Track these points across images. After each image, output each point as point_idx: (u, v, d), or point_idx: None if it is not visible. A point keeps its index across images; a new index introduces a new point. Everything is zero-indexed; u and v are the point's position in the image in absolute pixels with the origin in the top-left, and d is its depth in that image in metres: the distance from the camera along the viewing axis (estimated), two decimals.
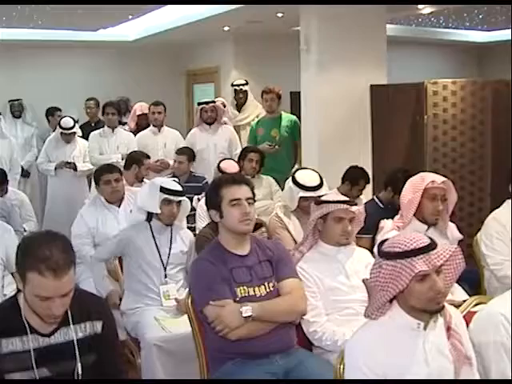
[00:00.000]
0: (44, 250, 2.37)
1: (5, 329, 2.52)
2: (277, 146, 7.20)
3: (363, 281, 2.68)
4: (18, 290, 2.58)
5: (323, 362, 3.33)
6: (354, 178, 5.75)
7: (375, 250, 3.85)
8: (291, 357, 3.27)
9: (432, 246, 2.41)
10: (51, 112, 9.08)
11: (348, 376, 2.53)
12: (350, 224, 3.68)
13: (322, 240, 3.74)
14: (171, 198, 4.42)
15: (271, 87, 7.45)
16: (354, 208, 3.73)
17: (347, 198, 3.79)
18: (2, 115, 7.82)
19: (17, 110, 9.27)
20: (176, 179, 4.86)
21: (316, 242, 3.75)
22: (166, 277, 4.44)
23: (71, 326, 2.59)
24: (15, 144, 7.90)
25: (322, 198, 3.81)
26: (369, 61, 7.09)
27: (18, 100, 9.30)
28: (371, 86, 7.13)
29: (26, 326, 2.54)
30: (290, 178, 4.82)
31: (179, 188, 4.50)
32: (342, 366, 2.69)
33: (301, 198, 4.66)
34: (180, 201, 4.49)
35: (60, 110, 9.09)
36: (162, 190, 4.40)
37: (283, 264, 3.41)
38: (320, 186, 4.70)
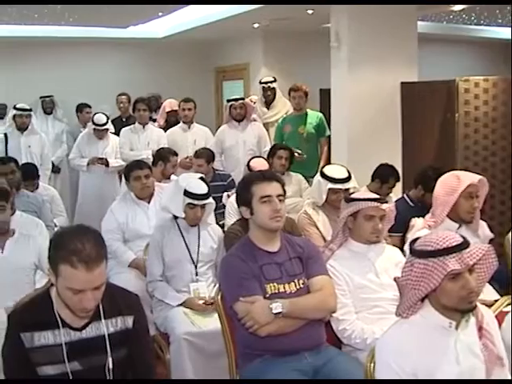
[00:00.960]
0: (76, 243, 2.39)
1: (37, 322, 2.54)
2: (304, 156, 7.16)
3: (395, 279, 2.66)
4: (51, 284, 2.60)
5: (353, 360, 3.31)
6: (384, 175, 5.71)
7: (405, 248, 3.88)
8: (320, 354, 3.26)
9: (465, 244, 2.39)
10: (81, 108, 9.15)
11: (378, 375, 2.52)
12: (380, 222, 3.66)
13: (352, 238, 3.72)
14: (195, 202, 4.43)
15: (299, 85, 7.44)
16: (384, 206, 3.71)
17: (377, 196, 3.78)
18: (33, 111, 7.86)
19: (48, 106, 9.35)
20: (203, 175, 4.83)
21: (346, 240, 3.74)
22: (196, 274, 4.47)
23: (103, 320, 2.61)
24: (46, 140, 7.95)
25: (353, 196, 3.81)
26: (399, 58, 7.05)
27: (49, 96, 9.38)
28: (402, 83, 7.09)
29: (58, 319, 2.56)
30: (319, 173, 4.87)
31: (204, 191, 4.48)
32: (372, 365, 2.68)
33: (329, 190, 4.71)
34: (204, 204, 4.51)
35: (89, 106, 9.14)
36: (186, 193, 4.42)
37: (313, 261, 3.40)
38: (348, 178, 4.73)
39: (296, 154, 6.74)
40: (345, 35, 6.89)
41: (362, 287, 3.55)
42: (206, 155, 6.56)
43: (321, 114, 7.60)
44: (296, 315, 3.20)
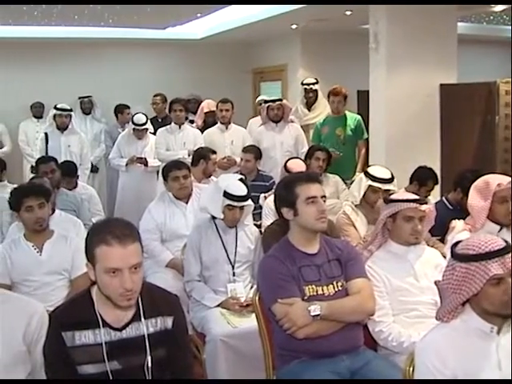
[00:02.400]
0: (108, 226, 2.50)
1: (78, 321, 2.57)
2: (340, 153, 7.14)
3: (435, 283, 2.64)
4: (92, 284, 2.62)
5: (390, 364, 3.28)
6: (422, 178, 5.67)
7: (444, 250, 3.84)
8: (358, 357, 3.24)
9: (507, 248, 2.35)
10: (120, 109, 9.21)
11: (418, 378, 2.50)
12: (419, 223, 3.62)
13: (391, 239, 3.69)
14: (234, 203, 4.44)
15: (338, 89, 7.40)
16: (424, 207, 3.68)
17: (417, 197, 3.74)
18: (73, 111, 7.96)
19: (87, 106, 9.49)
20: (243, 177, 4.84)
21: (385, 241, 3.71)
22: (234, 275, 4.48)
23: (143, 320, 2.62)
24: (86, 139, 8.05)
25: (392, 197, 3.78)
26: (439, 59, 7.00)
27: (87, 97, 9.51)
28: (441, 85, 7.03)
29: (99, 319, 2.58)
30: (362, 172, 4.93)
31: (243, 192, 4.48)
32: (411, 368, 2.66)
33: (369, 188, 4.76)
34: (243, 205, 4.51)
35: (129, 107, 9.20)
36: (226, 195, 4.43)
37: (352, 263, 3.38)
38: (389, 180, 4.77)
39: (332, 154, 6.74)
40: (383, 36, 6.85)
41: (401, 290, 3.52)
42: (254, 151, 6.63)
43: (359, 117, 7.56)
44: (334, 318, 3.19)
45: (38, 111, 9.54)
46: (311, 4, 7.10)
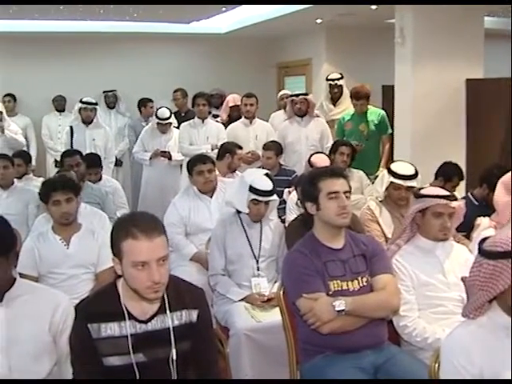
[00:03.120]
0: (134, 219, 2.52)
1: (104, 313, 2.59)
2: (363, 145, 7.13)
3: (462, 279, 2.62)
4: (118, 276, 2.64)
5: (414, 359, 3.27)
6: (447, 174, 5.64)
7: (470, 247, 3.81)
8: (382, 353, 3.23)
9: None
10: (144, 103, 9.25)
11: (443, 375, 2.48)
12: (449, 220, 3.60)
13: (420, 234, 3.67)
14: (260, 198, 4.45)
15: (360, 92, 7.35)
16: (454, 203, 3.64)
17: (448, 193, 3.69)
18: (98, 105, 8.00)
19: (111, 100, 9.54)
20: (269, 172, 4.84)
21: (414, 236, 3.69)
22: (258, 269, 4.49)
23: (168, 313, 2.64)
24: (110, 133, 8.09)
25: (422, 192, 3.74)
26: (465, 54, 6.96)
27: (112, 91, 9.57)
28: (467, 80, 6.98)
29: (125, 311, 2.60)
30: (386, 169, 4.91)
31: (269, 187, 4.49)
32: (436, 365, 2.65)
33: (391, 183, 4.73)
34: (268, 200, 4.51)
35: (152, 101, 9.24)
36: (251, 189, 4.43)
37: (377, 259, 3.37)
38: (411, 176, 4.72)
39: (355, 147, 6.73)
40: (409, 31, 6.82)
41: (428, 285, 3.51)
42: (275, 148, 6.62)
43: (383, 112, 7.53)
44: (358, 313, 3.18)
45: (59, 104, 9.60)
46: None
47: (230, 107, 8.16)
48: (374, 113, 7.49)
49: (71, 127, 7.76)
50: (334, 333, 3.15)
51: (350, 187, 3.40)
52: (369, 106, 7.50)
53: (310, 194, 3.38)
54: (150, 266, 2.46)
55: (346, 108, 8.00)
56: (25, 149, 7.88)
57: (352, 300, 3.17)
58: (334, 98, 8.20)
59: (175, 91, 9.24)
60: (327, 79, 8.25)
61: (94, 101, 7.85)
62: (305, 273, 3.23)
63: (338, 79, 8.12)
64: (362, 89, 7.39)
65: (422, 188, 3.92)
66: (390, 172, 4.79)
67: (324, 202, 3.31)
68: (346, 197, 3.32)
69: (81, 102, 7.76)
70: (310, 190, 3.38)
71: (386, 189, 4.82)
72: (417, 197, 3.73)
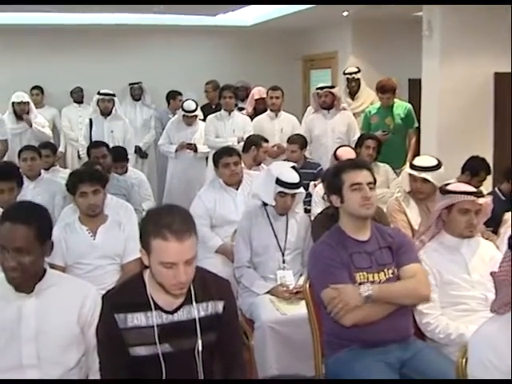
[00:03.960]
0: (166, 217, 2.47)
1: (130, 304, 2.61)
2: (389, 134, 7.10)
3: (491, 274, 2.59)
4: (144, 267, 2.65)
5: (441, 355, 3.25)
6: (474, 168, 5.60)
7: (498, 242, 3.78)
8: (408, 347, 3.22)
9: None
10: (172, 95, 9.28)
11: (471, 371, 2.47)
12: (475, 216, 3.56)
13: (445, 231, 3.64)
14: (286, 191, 4.44)
15: (386, 86, 7.31)
16: (481, 200, 3.61)
17: (474, 189, 3.66)
18: (122, 97, 8.03)
19: (136, 92, 9.53)
20: (295, 164, 4.83)
21: (439, 232, 3.66)
22: (283, 262, 4.48)
23: (194, 304, 2.64)
24: (129, 125, 8.11)
25: (448, 188, 3.70)
26: (493, 48, 6.87)
27: (138, 83, 9.56)
28: (495, 73, 6.92)
29: (151, 302, 2.61)
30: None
31: (296, 180, 4.48)
32: (464, 360, 2.63)
33: (409, 175, 4.75)
34: (295, 193, 4.51)
35: (181, 94, 9.26)
36: (278, 182, 4.43)
37: (404, 250, 3.35)
38: (427, 168, 4.71)
39: (380, 134, 6.70)
40: (437, 24, 6.77)
41: (451, 283, 3.49)
42: (299, 141, 6.60)
43: (409, 105, 7.48)
44: (386, 300, 3.17)
45: (78, 96, 9.61)
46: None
47: (256, 100, 8.16)
48: (401, 106, 7.45)
49: (90, 119, 7.82)
50: (358, 324, 3.14)
51: (374, 179, 3.39)
52: (395, 100, 7.45)
53: (334, 186, 3.40)
54: (177, 266, 2.46)
55: (364, 101, 8.00)
56: (52, 140, 7.96)
57: (378, 287, 3.17)
58: (352, 92, 8.20)
59: (207, 83, 9.25)
60: (344, 73, 8.25)
61: (111, 92, 7.88)
62: (331, 264, 3.24)
63: (355, 73, 8.11)
64: (387, 82, 7.35)
65: (448, 184, 3.89)
66: (410, 164, 4.82)
67: (347, 193, 3.33)
68: (370, 188, 3.32)
69: (98, 93, 7.83)
70: (334, 182, 3.40)
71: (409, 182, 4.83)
72: (443, 193, 3.69)
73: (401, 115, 7.37)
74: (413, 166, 4.77)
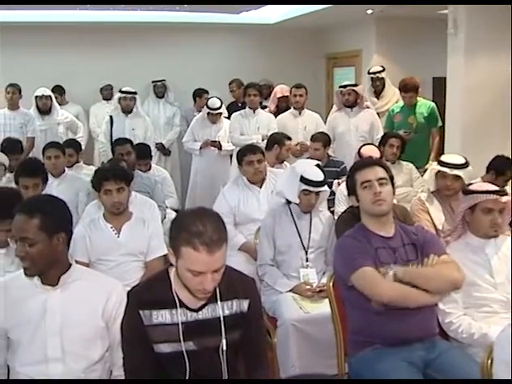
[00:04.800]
0: (198, 225, 2.41)
1: (156, 301, 2.61)
2: (412, 133, 7.07)
3: None
4: (170, 264, 2.65)
5: (466, 356, 3.22)
6: (499, 167, 5.55)
7: None
8: (433, 347, 3.20)
9: None
10: (199, 93, 9.26)
11: (496, 371, 2.45)
12: (500, 215, 3.52)
13: (470, 231, 3.62)
14: (311, 189, 4.43)
15: (409, 85, 7.27)
16: (504, 198, 3.57)
17: (497, 188, 3.62)
18: (144, 95, 8.07)
19: (160, 90, 9.55)
20: (319, 163, 4.82)
21: (465, 233, 3.64)
22: (307, 260, 4.48)
23: (219, 302, 2.64)
24: (150, 123, 8.15)
25: (470, 188, 3.68)
26: None
27: (161, 81, 9.58)
28: None
29: (176, 299, 2.61)
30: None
31: (320, 178, 4.47)
32: (489, 361, 2.62)
33: (438, 172, 4.69)
34: (319, 191, 4.50)
35: (207, 92, 9.24)
36: (303, 179, 4.42)
37: (431, 244, 3.34)
38: (458, 165, 4.66)
39: (402, 133, 6.67)
40: (463, 21, 6.72)
41: (474, 285, 3.46)
42: (322, 139, 6.59)
43: (433, 104, 7.44)
44: (418, 283, 3.12)
45: (108, 94, 9.66)
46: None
47: (278, 98, 8.16)
48: (424, 105, 7.40)
49: (111, 117, 7.88)
50: (394, 301, 3.11)
51: (389, 175, 3.39)
52: (418, 98, 7.42)
53: (350, 186, 3.45)
54: (205, 275, 2.45)
55: (389, 100, 7.96)
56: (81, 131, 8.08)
57: (404, 269, 3.17)
58: (377, 91, 8.16)
59: (231, 82, 9.26)
60: (369, 72, 8.22)
61: (132, 90, 7.93)
62: (356, 252, 3.24)
63: (380, 72, 8.07)
64: (410, 81, 7.31)
65: (471, 184, 3.86)
66: (439, 161, 4.78)
67: (360, 192, 3.37)
68: (381, 184, 3.31)
69: (120, 91, 7.89)
70: (350, 183, 3.45)
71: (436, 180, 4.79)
72: (465, 193, 3.66)
73: (424, 114, 7.33)
74: (443, 163, 4.72)
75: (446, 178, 4.68)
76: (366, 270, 3.15)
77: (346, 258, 3.28)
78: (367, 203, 3.32)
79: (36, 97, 7.96)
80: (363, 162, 3.52)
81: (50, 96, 8.01)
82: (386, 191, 3.32)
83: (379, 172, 3.35)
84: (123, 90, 7.87)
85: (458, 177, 4.63)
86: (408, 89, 7.25)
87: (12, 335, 2.75)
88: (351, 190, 3.43)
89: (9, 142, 6.58)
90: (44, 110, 7.99)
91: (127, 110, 7.86)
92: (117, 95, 7.96)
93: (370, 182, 3.31)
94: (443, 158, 4.82)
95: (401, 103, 7.52)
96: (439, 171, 4.71)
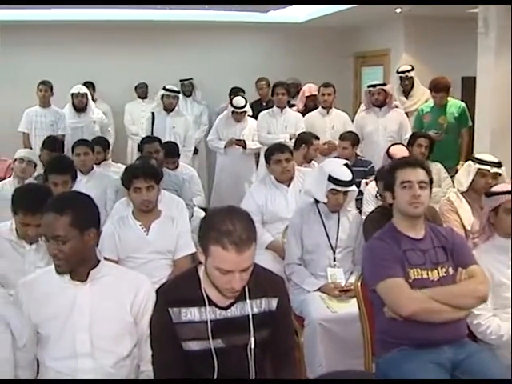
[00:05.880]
0: (228, 225, 2.41)
1: (184, 298, 2.62)
2: (443, 134, 7.02)
3: None
4: (199, 262, 2.66)
5: (495, 358, 3.21)
6: None
7: None
8: (461, 349, 3.17)
9: None
10: (235, 92, 9.19)
11: None
12: None
13: (496, 232, 3.63)
14: (339, 188, 4.42)
15: (440, 84, 7.21)
16: None
17: None
18: (180, 94, 8.11)
19: (187, 89, 9.58)
20: (348, 162, 4.80)
21: (492, 235, 3.65)
22: (334, 260, 4.48)
23: (247, 301, 2.65)
24: (191, 122, 8.19)
25: (492, 190, 3.71)
26: None
27: (188, 79, 9.61)
28: None
29: (205, 297, 2.62)
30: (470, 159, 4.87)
31: (348, 177, 4.46)
32: None
33: (478, 171, 4.70)
34: (347, 191, 4.49)
35: (243, 90, 9.20)
36: (331, 179, 4.41)
37: (460, 252, 3.32)
38: (498, 164, 4.70)
39: (433, 134, 6.62)
40: (493, 20, 6.65)
41: (502, 285, 3.45)
42: (351, 138, 6.59)
43: (463, 104, 7.37)
44: (442, 301, 3.12)
45: (142, 92, 9.76)
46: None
47: (306, 97, 8.17)
48: (455, 105, 7.34)
49: (153, 113, 7.90)
50: (416, 315, 3.09)
51: (429, 178, 3.37)
52: (449, 98, 7.36)
53: (388, 183, 3.42)
54: (233, 273, 2.45)
55: (418, 100, 7.92)
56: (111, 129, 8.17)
57: (430, 290, 3.15)
58: (406, 91, 8.10)
59: (260, 80, 9.22)
60: (397, 72, 8.17)
61: (176, 89, 8.00)
62: (385, 258, 3.23)
63: (409, 71, 8.02)
64: (441, 80, 7.26)
65: (492, 186, 3.86)
66: (476, 160, 4.76)
67: (398, 190, 3.34)
68: (421, 187, 3.30)
69: (164, 89, 7.88)
70: (388, 179, 3.43)
71: (472, 179, 4.75)
72: (488, 195, 3.69)
73: (454, 114, 7.27)
74: (482, 162, 4.73)
75: (486, 176, 4.69)
76: (391, 282, 3.15)
77: (373, 264, 3.29)
78: (403, 203, 3.31)
79: (72, 94, 8.03)
80: (406, 161, 3.49)
81: (85, 94, 8.08)
82: (425, 195, 3.31)
83: (421, 174, 3.34)
84: (167, 87, 7.88)
85: (497, 174, 4.64)
86: (439, 88, 7.20)
87: (42, 330, 2.77)
88: (388, 187, 3.42)
89: (50, 141, 6.63)
90: (80, 107, 8.05)
91: (169, 108, 7.87)
92: (160, 93, 7.96)
93: (411, 183, 3.30)
94: (480, 157, 4.81)
95: (430, 103, 7.45)
96: (479, 169, 4.68)
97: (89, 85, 9.18)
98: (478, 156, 4.83)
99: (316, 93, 7.85)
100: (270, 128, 7.58)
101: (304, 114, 7.81)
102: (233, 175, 7.88)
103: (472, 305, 3.24)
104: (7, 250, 3.70)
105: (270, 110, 7.74)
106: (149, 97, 9.64)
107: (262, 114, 7.75)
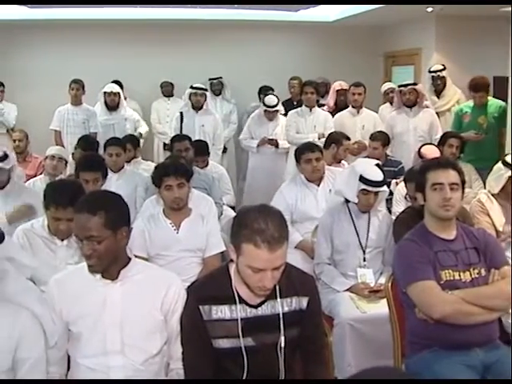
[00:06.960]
0: (260, 223, 2.41)
1: (215, 296, 2.63)
2: (483, 134, 6.95)
3: None
4: (230, 260, 2.67)
5: None
6: None
7: None
8: (493, 351, 3.15)
9: None
10: (265, 90, 9.21)
11: None
12: None
13: None
14: (370, 188, 4.40)
15: (479, 82, 7.16)
16: None
17: None
18: (207, 92, 8.13)
19: (216, 87, 9.60)
20: (380, 162, 4.78)
21: None
22: (364, 260, 4.47)
23: (278, 299, 2.65)
24: (220, 120, 8.21)
25: None
26: None
27: (217, 78, 9.63)
28: None
29: (236, 295, 2.63)
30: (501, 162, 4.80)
31: (380, 178, 4.43)
32: None
33: (509, 178, 4.64)
34: (378, 191, 4.47)
35: (273, 89, 9.19)
36: (362, 179, 4.40)
37: (493, 253, 3.30)
38: None
39: (473, 134, 6.58)
40: None
41: None
42: (382, 138, 6.58)
43: (504, 104, 7.26)
44: (475, 303, 3.10)
45: (167, 90, 9.80)
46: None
47: (337, 91, 8.17)
48: (495, 105, 7.30)
49: (181, 113, 7.93)
50: (447, 319, 3.08)
51: (461, 179, 3.33)
52: (489, 98, 7.30)
53: (419, 184, 3.39)
54: (265, 272, 2.45)
55: (450, 99, 7.87)
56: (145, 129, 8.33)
57: (463, 291, 3.12)
58: (438, 90, 8.04)
59: (293, 79, 9.22)
60: (429, 71, 8.12)
61: (203, 86, 8.01)
62: (416, 260, 3.21)
63: (441, 70, 7.96)
64: (481, 80, 7.20)
65: None
66: (508, 165, 4.69)
67: (429, 192, 3.31)
68: (453, 189, 3.26)
69: (191, 87, 7.92)
70: (419, 180, 3.40)
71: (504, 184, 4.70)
72: None
73: (494, 114, 7.23)
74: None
75: None
76: (423, 284, 3.13)
77: (405, 266, 3.27)
78: (434, 205, 3.28)
79: (105, 93, 8.10)
80: (438, 162, 3.44)
81: (118, 93, 8.16)
82: (456, 197, 3.27)
83: (452, 176, 3.30)
84: (194, 86, 7.93)
85: None
86: (478, 88, 7.14)
87: (73, 328, 2.78)
88: (419, 188, 3.38)
89: (84, 140, 6.69)
90: (112, 105, 8.14)
91: (197, 107, 7.91)
92: (187, 91, 7.99)
93: (442, 186, 3.27)
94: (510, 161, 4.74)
95: (470, 103, 7.39)
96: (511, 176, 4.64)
97: (117, 83, 9.26)
98: (508, 160, 4.74)
99: (347, 87, 7.87)
100: (299, 127, 7.58)
101: (335, 112, 7.81)
102: (265, 174, 7.89)
103: (505, 306, 3.21)
104: (39, 246, 3.75)
105: (299, 109, 7.73)
106: (175, 95, 9.67)
107: (290, 113, 7.76)
